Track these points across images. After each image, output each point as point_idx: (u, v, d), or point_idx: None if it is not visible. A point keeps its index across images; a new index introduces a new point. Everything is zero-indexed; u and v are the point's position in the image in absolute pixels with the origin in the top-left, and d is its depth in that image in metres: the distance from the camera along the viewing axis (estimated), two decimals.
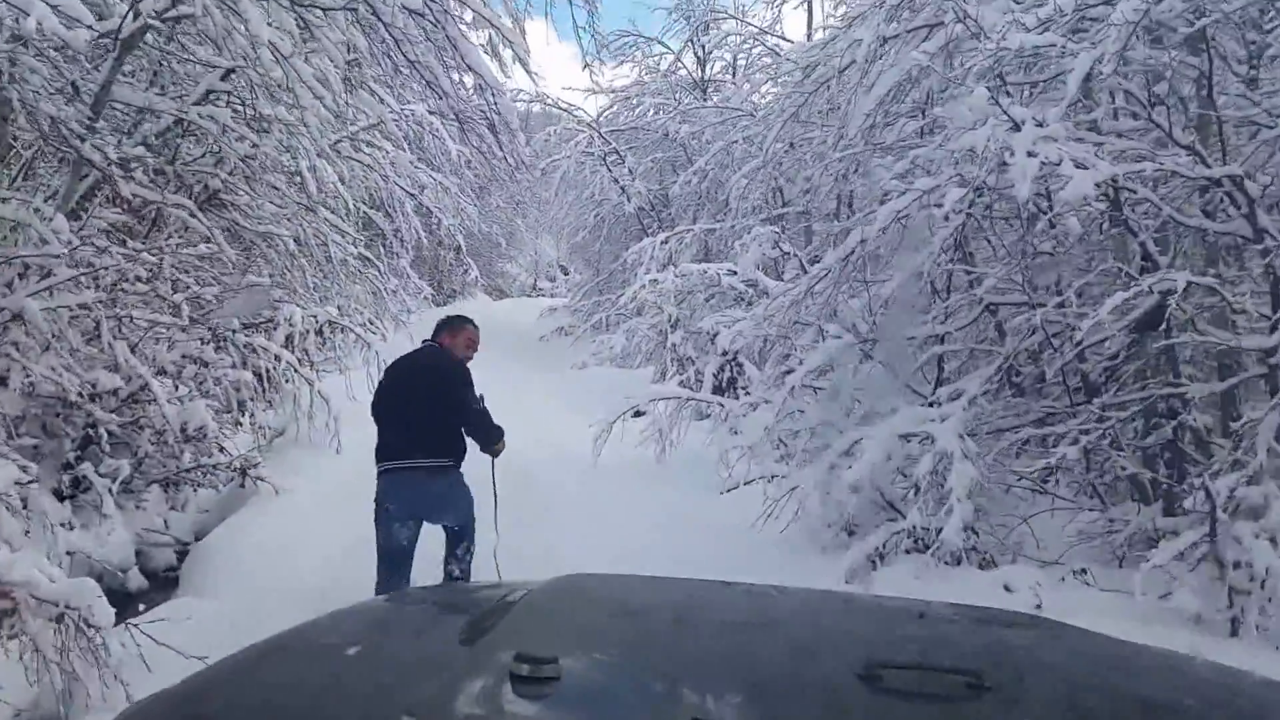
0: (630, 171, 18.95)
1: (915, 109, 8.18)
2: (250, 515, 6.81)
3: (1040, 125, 5.63)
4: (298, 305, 9.57)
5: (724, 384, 11.25)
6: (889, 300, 6.48)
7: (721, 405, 9.35)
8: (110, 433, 6.28)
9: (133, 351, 6.51)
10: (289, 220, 10.12)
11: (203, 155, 8.35)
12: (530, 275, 38.82)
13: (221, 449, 7.38)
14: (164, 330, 6.74)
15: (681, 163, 20.35)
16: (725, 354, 10.97)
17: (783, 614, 2.02)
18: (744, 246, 12.99)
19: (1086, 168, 5.50)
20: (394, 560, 4.92)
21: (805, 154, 11.11)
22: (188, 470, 7.11)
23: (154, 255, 5.95)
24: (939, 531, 5.65)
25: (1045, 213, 6.28)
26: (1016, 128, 5.64)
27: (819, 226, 15.57)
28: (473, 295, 30.31)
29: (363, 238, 16.91)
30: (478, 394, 5.11)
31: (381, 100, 9.68)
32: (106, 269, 5.54)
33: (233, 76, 7.06)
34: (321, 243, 10.88)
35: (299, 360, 8.84)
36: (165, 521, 7.48)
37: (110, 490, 5.97)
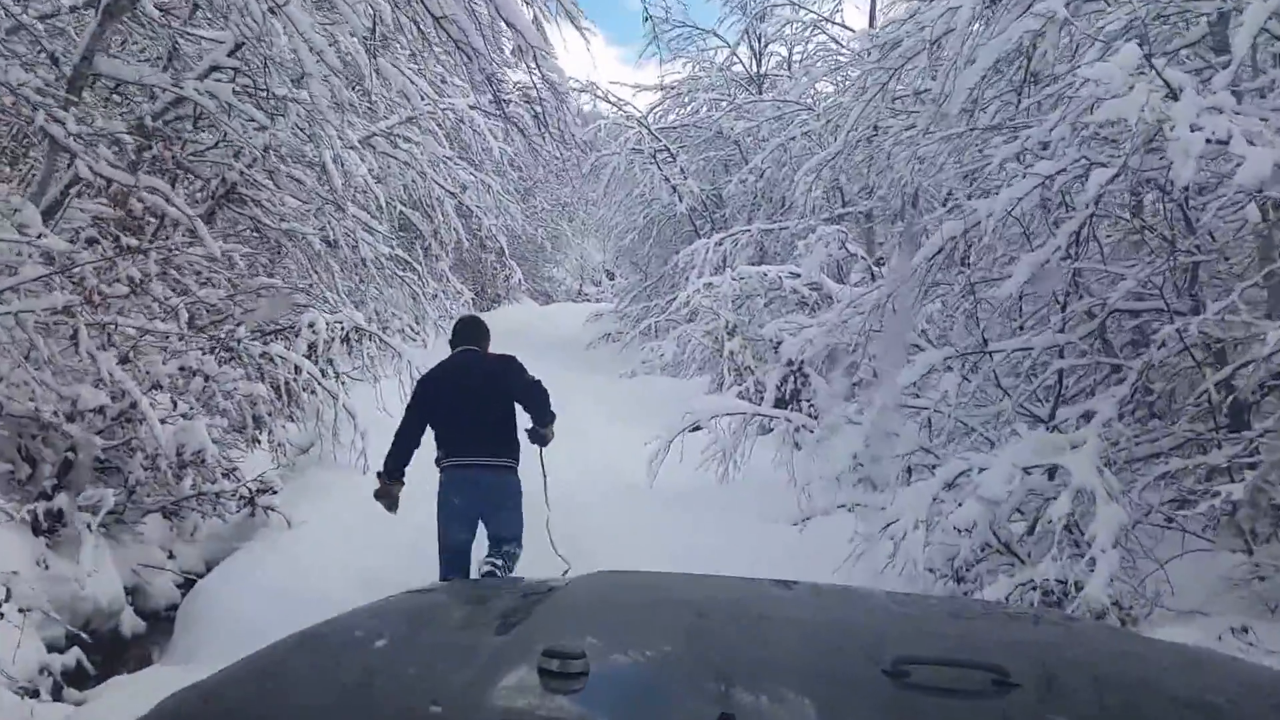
0: (682, 170, 17.98)
1: (1015, 88, 7.13)
2: (256, 552, 5.96)
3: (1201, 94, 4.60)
4: (321, 310, 8.75)
5: (788, 396, 10.24)
6: (1004, 305, 5.45)
7: (789, 422, 8.35)
8: (96, 457, 5.44)
9: (124, 363, 5.68)
10: (314, 217, 9.30)
11: (215, 145, 7.53)
12: (576, 280, 38.00)
13: (228, 473, 6.51)
14: (159, 339, 5.91)
15: (735, 161, 19.39)
16: (790, 364, 9.98)
17: (811, 610, 2.03)
18: (808, 248, 11.99)
19: (1258, 145, 4.46)
20: (454, 555, 5.21)
21: (884, 142, 10.03)
22: (188, 498, 6.25)
23: (140, 252, 5.08)
24: (1077, 586, 4.62)
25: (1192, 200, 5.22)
26: (1173, 96, 4.61)
27: (882, 227, 14.55)
28: (517, 300, 29.53)
29: (400, 238, 16.15)
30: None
31: (411, 81, 8.79)
32: (79, 268, 4.67)
33: (244, 52, 6.24)
34: (353, 243, 10.07)
35: (322, 371, 7.99)
36: (170, 552, 6.66)
37: (90, 525, 5.11)
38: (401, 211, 14.40)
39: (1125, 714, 1.40)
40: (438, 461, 5.29)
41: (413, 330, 16.73)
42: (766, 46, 20.64)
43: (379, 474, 5.46)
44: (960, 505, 5.23)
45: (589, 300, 33.43)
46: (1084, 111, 5.25)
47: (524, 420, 5.56)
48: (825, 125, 15.14)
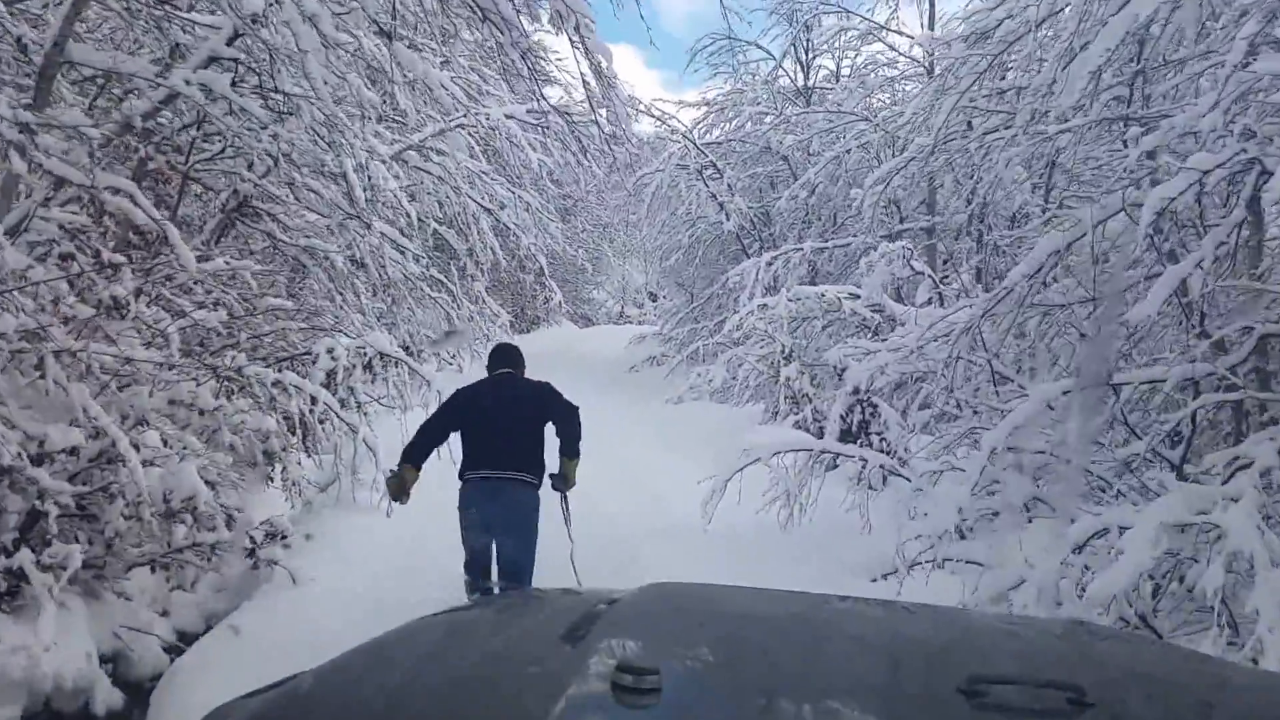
0: (730, 187, 17.12)
1: (1126, 79, 6.20)
2: (249, 621, 5.12)
3: None
4: (348, 333, 7.97)
5: (854, 428, 9.31)
6: (1136, 331, 4.52)
7: (864, 461, 7.44)
8: (63, 505, 4.66)
9: (104, 395, 4.90)
10: (337, 233, 8.55)
11: (222, 151, 6.78)
12: (618, 302, 37.27)
13: (229, 520, 5.71)
14: (152, 368, 5.13)
15: (782, 178, 18.54)
16: (856, 392, 9.06)
17: (881, 626, 1.98)
18: (869, 266, 11.06)
19: None
20: (479, 565, 5.29)
21: (967, 144, 9.09)
22: (180, 550, 5.46)
23: (111, 267, 4.30)
24: None
25: None
26: None
27: (945, 244, 13.61)
28: (557, 323, 28.83)
29: (434, 258, 15.42)
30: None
31: (436, 69, 8.02)
32: (35, 285, 3.89)
33: (247, 42, 5.48)
34: (380, 261, 9.31)
35: (341, 401, 7.19)
36: (164, 609, 5.86)
37: (51, 590, 4.31)
38: (435, 230, 13.69)
39: None
40: (461, 474, 5.36)
41: (448, 356, 16.04)
42: (814, 59, 19.77)
43: (392, 470, 5.51)
44: (1090, 571, 4.30)
45: (631, 323, 32.75)
46: (1241, 97, 4.33)
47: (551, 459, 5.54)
48: (883, 137, 14.26)
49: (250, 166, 7.24)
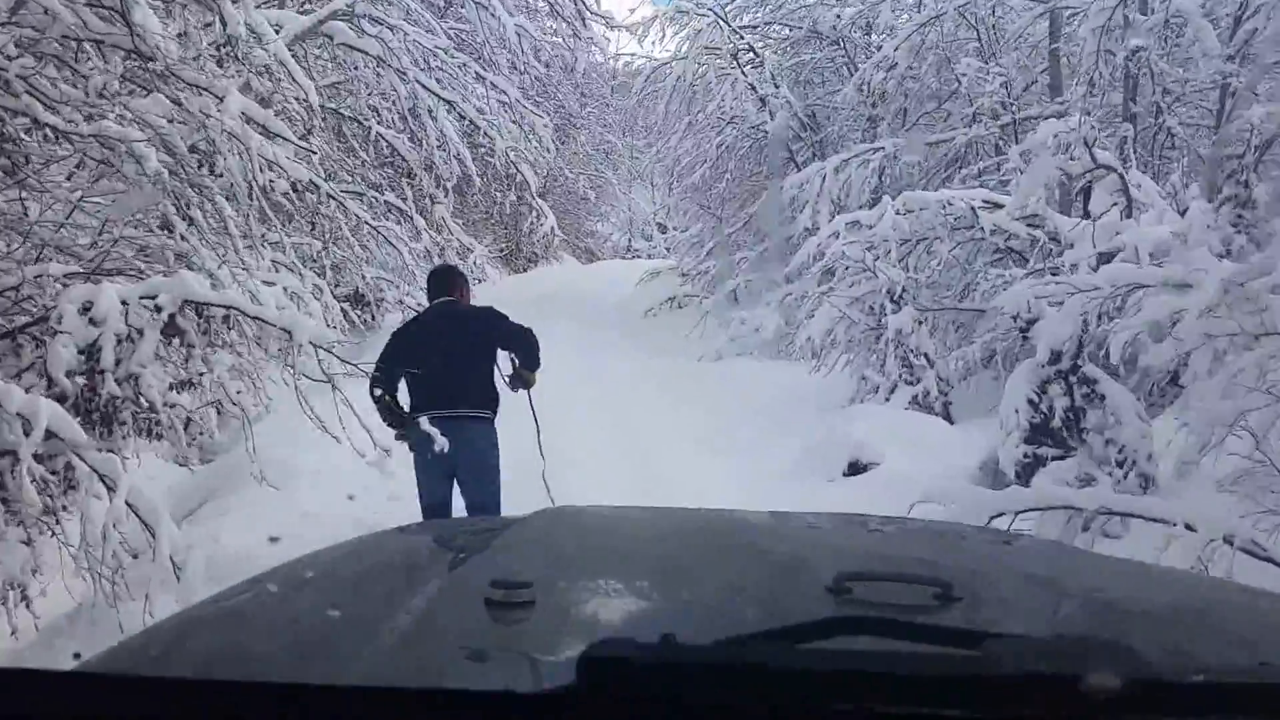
0: (773, 78, 13.18)
1: None
2: None
3: None
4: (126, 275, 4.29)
5: (1060, 420, 5.51)
6: None
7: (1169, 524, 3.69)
8: None
9: None
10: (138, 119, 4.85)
11: None
12: (624, 235, 33.56)
13: None
14: None
15: (831, 71, 14.70)
16: (1056, 360, 5.33)
17: (771, 538, 2.00)
18: (1025, 157, 7.25)
19: None
20: (436, 511, 5.02)
21: None
22: None
23: None
24: None
25: None
26: None
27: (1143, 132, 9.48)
28: (558, 259, 25.16)
29: (386, 177, 11.57)
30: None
31: None
32: None
33: None
34: (252, 168, 5.55)
35: (99, 414, 3.50)
36: None
37: None
38: (378, 135, 9.87)
39: (1068, 624, 1.42)
40: (411, 413, 4.95)
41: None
42: None
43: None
44: None
45: (640, 257, 29.12)
46: None
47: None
48: None
49: None
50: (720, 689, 0.85)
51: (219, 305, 4.12)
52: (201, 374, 4.82)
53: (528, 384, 5.31)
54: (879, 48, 12.59)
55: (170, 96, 5.48)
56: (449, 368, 4.97)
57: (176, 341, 4.04)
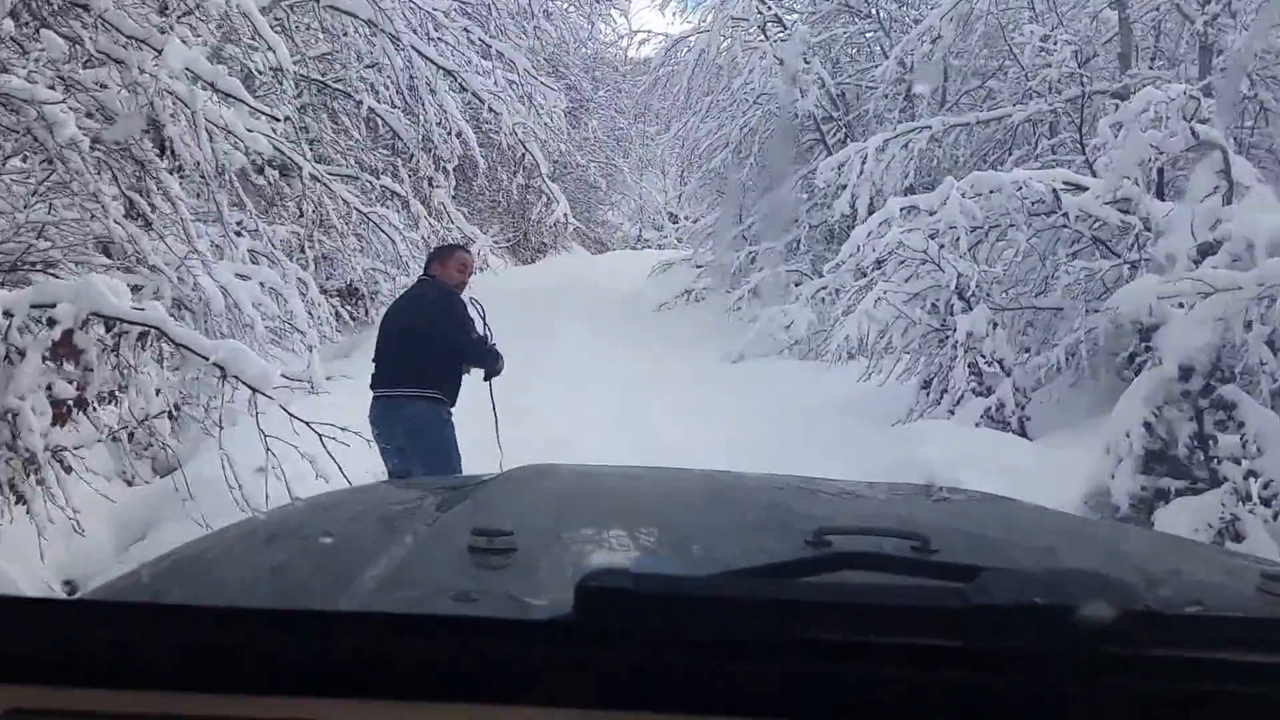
0: (804, 54, 12.14)
1: None
2: None
3: None
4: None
5: (1188, 446, 4.50)
6: None
7: None
8: None
9: None
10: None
11: None
12: (635, 224, 32.55)
13: None
14: None
15: (864, 47, 13.71)
16: (1186, 376, 4.33)
17: (749, 494, 2.04)
18: (1115, 130, 6.22)
19: None
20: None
21: None
22: None
23: None
24: None
25: None
26: None
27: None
28: (566, 248, 24.21)
29: (382, 158, 10.56)
30: (482, 331, 5.15)
31: None
32: None
33: None
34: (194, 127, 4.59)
35: None
36: None
37: None
38: (370, 111, 8.87)
39: (1055, 563, 1.44)
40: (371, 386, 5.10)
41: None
42: None
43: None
44: None
45: (650, 247, 28.09)
46: None
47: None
48: None
49: None
50: (717, 621, 0.84)
51: (134, 323, 3.12)
52: (123, 387, 3.83)
53: (488, 375, 5.28)
54: (916, 21, 11.57)
55: (101, 49, 4.51)
56: (396, 347, 5.04)
57: (72, 365, 3.04)
